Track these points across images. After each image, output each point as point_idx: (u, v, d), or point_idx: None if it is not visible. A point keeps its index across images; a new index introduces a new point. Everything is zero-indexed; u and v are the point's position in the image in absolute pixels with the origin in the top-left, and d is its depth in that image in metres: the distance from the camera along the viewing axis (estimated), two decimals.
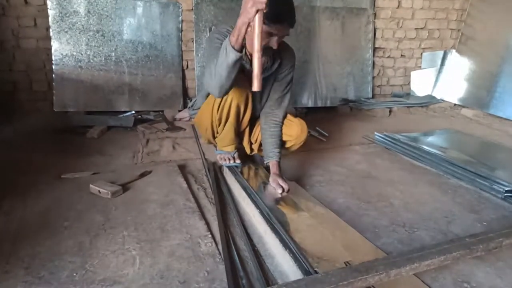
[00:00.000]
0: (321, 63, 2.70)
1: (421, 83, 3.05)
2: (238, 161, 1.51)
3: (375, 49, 2.87)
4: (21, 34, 2.24)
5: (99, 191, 1.29)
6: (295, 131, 1.43)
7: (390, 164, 1.74)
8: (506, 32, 2.62)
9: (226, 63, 1.08)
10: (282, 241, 0.96)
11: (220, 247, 1.02)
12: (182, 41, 2.43)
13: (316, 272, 0.83)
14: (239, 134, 1.51)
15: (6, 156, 1.66)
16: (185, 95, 2.51)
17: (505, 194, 1.37)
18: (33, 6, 2.21)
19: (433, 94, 3.02)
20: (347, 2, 2.68)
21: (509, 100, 2.52)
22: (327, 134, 2.12)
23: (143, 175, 1.46)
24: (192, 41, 2.44)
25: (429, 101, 2.92)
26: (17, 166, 1.55)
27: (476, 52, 2.84)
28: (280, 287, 0.77)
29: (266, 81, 1.37)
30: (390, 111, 2.69)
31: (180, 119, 2.36)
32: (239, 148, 1.54)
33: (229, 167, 1.47)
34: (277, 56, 1.31)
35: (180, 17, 2.40)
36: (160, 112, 2.42)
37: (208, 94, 1.40)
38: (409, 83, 3.07)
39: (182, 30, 2.42)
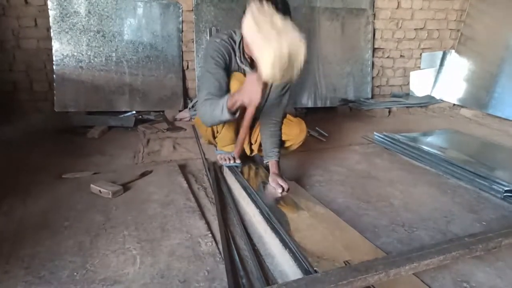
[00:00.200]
0: (320, 64, 2.70)
1: (420, 84, 3.06)
2: (238, 161, 1.52)
3: (374, 50, 2.88)
4: (21, 34, 2.25)
5: (99, 191, 1.29)
6: (294, 130, 1.44)
7: (390, 164, 1.75)
8: (505, 32, 2.62)
9: (219, 119, 1.17)
10: (282, 240, 0.96)
11: (220, 246, 1.02)
12: (182, 41, 2.44)
13: (316, 271, 0.83)
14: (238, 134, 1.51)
15: (6, 156, 1.67)
16: (186, 96, 2.51)
17: (505, 194, 1.38)
18: (34, 7, 2.22)
19: (432, 94, 3.03)
20: (346, 2, 2.69)
21: (508, 100, 2.52)
22: (326, 134, 2.13)
23: (143, 175, 1.47)
24: (193, 42, 2.44)
25: (428, 101, 2.92)
26: (17, 166, 1.55)
27: (475, 52, 2.84)
28: (280, 286, 0.77)
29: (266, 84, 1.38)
30: (389, 111, 2.70)
31: (180, 119, 2.37)
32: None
33: (229, 167, 1.48)
34: None
35: (181, 18, 2.40)
36: (161, 112, 2.42)
37: None
38: (408, 84, 3.07)
39: (182, 31, 2.43)
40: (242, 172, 1.43)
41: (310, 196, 1.34)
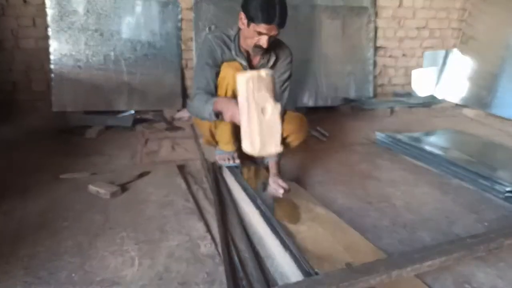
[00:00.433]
0: (322, 63, 2.69)
1: (422, 83, 3.04)
2: (237, 161, 1.51)
3: (376, 49, 2.86)
4: (20, 34, 2.23)
5: (98, 191, 1.28)
6: (294, 125, 1.43)
7: (391, 164, 1.73)
8: (507, 32, 2.60)
9: (206, 119, 1.25)
10: (282, 242, 0.95)
11: (219, 248, 1.01)
12: (181, 40, 2.42)
13: (316, 273, 0.82)
14: (237, 132, 1.50)
15: (4, 156, 1.66)
16: (184, 95, 2.50)
17: (506, 194, 1.37)
18: (32, 6, 2.21)
19: (435, 94, 3.01)
20: (348, 1, 2.67)
21: (510, 100, 2.51)
22: (327, 134, 2.12)
23: (142, 175, 1.46)
24: (192, 40, 2.43)
25: (430, 101, 2.91)
26: (16, 166, 1.54)
27: (477, 51, 2.83)
28: None
29: None
30: (391, 111, 2.68)
31: (179, 119, 2.36)
32: (239, 148, 1.54)
33: (229, 167, 1.47)
34: (272, 53, 1.34)
35: (179, 16, 2.39)
36: (159, 112, 2.41)
37: None
38: (410, 83, 3.06)
39: (181, 29, 2.41)
40: (242, 173, 1.43)
41: (311, 197, 1.33)
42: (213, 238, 1.06)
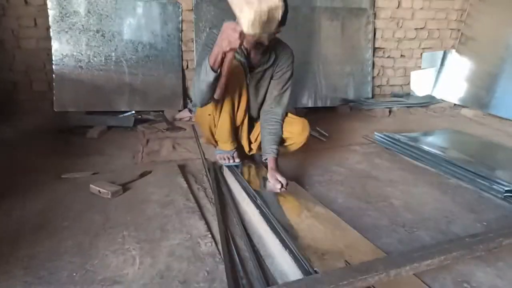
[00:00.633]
0: (321, 63, 2.70)
1: (421, 83, 3.05)
2: (237, 160, 1.52)
3: (375, 49, 2.87)
4: (21, 34, 2.24)
5: (99, 191, 1.29)
6: (296, 128, 1.44)
7: (390, 164, 1.74)
8: (506, 32, 2.62)
9: (206, 81, 1.18)
10: (282, 241, 0.96)
11: (220, 247, 1.02)
12: (182, 41, 2.43)
13: (316, 272, 0.83)
14: (238, 132, 1.51)
15: (6, 156, 1.66)
16: (185, 95, 2.51)
17: (505, 194, 1.37)
18: (33, 6, 2.22)
19: (433, 94, 3.02)
20: (347, 2, 2.68)
21: (509, 100, 2.52)
22: (327, 134, 2.12)
23: (143, 175, 1.46)
24: (192, 41, 2.44)
25: (429, 101, 2.92)
26: (17, 166, 1.55)
27: (476, 52, 2.84)
28: (280, 287, 0.77)
29: (262, 78, 1.41)
30: (390, 111, 2.69)
31: (180, 119, 2.37)
32: (239, 148, 1.54)
33: (229, 167, 1.47)
34: (273, 52, 1.35)
35: (180, 17, 2.40)
36: (160, 112, 2.42)
37: None
38: (409, 83, 3.07)
39: (182, 30, 2.42)
40: (242, 172, 1.43)
41: (310, 196, 1.34)
42: (213, 237, 1.07)
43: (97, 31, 2.27)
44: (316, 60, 2.68)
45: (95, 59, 2.29)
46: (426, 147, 1.78)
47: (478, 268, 0.97)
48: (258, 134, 1.49)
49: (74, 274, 0.90)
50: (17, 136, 1.94)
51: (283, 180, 1.27)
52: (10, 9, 2.19)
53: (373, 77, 2.90)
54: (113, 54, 2.32)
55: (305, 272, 0.84)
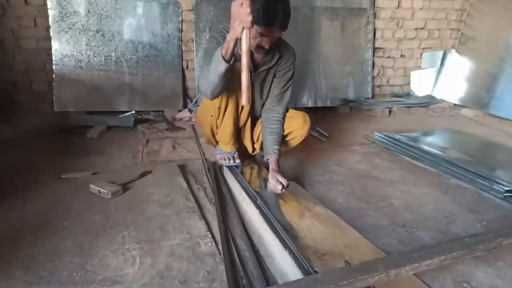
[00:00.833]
0: (321, 63, 2.70)
1: (421, 83, 3.05)
2: (238, 160, 1.52)
3: (375, 49, 2.87)
4: (21, 34, 2.24)
5: (99, 191, 1.29)
6: (297, 121, 1.44)
7: (390, 164, 1.74)
8: (506, 32, 2.62)
9: (218, 72, 1.16)
10: (282, 241, 0.96)
11: (220, 247, 1.02)
12: (182, 41, 2.43)
13: (316, 272, 0.83)
14: (240, 133, 1.51)
15: (6, 156, 1.66)
16: (185, 95, 2.51)
17: (505, 194, 1.37)
18: (33, 6, 2.22)
19: (433, 94, 3.02)
20: (347, 2, 2.68)
21: (509, 100, 2.52)
22: (327, 134, 2.12)
23: (143, 175, 1.46)
24: (192, 41, 2.44)
25: (429, 101, 2.92)
26: (17, 166, 1.55)
27: (476, 52, 2.84)
28: (280, 287, 0.77)
29: (266, 77, 1.41)
30: (390, 111, 2.69)
31: (180, 119, 2.37)
32: (239, 148, 1.54)
33: (229, 167, 1.47)
34: (276, 51, 1.36)
35: (180, 17, 2.40)
36: (160, 112, 2.42)
37: None
38: (409, 83, 3.07)
39: (182, 30, 2.42)
40: (242, 172, 1.43)
41: (310, 196, 1.34)
42: (213, 237, 1.07)
43: (97, 31, 2.27)
44: (316, 60, 2.68)
45: (95, 59, 2.29)
46: (426, 147, 1.78)
47: (478, 268, 0.97)
48: (260, 133, 1.49)
49: (74, 274, 0.90)
50: (17, 136, 1.94)
51: (284, 181, 1.27)
52: (10, 9, 2.19)
53: (373, 77, 2.90)
54: (113, 54, 2.32)
55: (305, 272, 0.84)
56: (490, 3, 2.77)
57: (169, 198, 1.30)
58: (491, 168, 1.55)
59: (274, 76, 1.42)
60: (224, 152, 1.53)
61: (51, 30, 2.20)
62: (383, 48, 2.90)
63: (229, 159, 1.51)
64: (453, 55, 2.99)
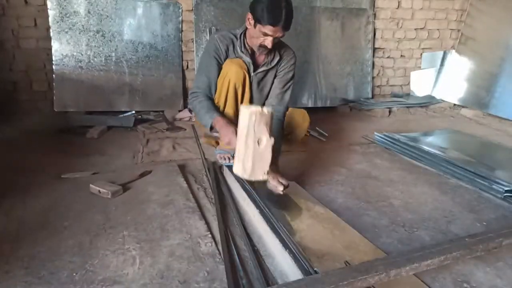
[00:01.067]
0: (321, 64, 2.70)
1: (420, 83, 3.05)
2: None
3: (375, 50, 2.87)
4: (21, 34, 2.24)
5: (99, 191, 1.29)
6: (296, 118, 1.48)
7: (390, 164, 1.74)
8: (506, 32, 2.62)
9: (200, 121, 1.35)
10: (282, 241, 0.96)
11: (220, 247, 1.02)
12: (182, 41, 2.43)
13: (316, 272, 0.83)
14: None
15: (5, 155, 1.66)
16: (185, 95, 2.51)
17: (505, 194, 1.37)
18: (33, 6, 2.22)
19: (433, 94, 3.02)
20: (347, 2, 2.69)
21: (509, 100, 2.52)
22: (327, 134, 2.12)
23: (143, 175, 1.47)
24: (192, 42, 2.44)
25: (428, 101, 2.92)
26: (17, 166, 1.55)
27: (476, 52, 2.84)
28: (280, 287, 0.77)
29: (265, 77, 1.44)
30: (389, 111, 2.70)
31: (180, 119, 2.37)
32: None
33: (229, 167, 1.47)
34: (277, 52, 1.39)
35: (180, 18, 2.40)
36: (160, 112, 2.42)
37: None
38: (408, 83, 3.07)
39: (182, 31, 2.42)
40: None
41: (310, 196, 1.34)
42: (213, 237, 1.07)
43: (97, 32, 2.27)
44: (316, 60, 2.68)
45: (95, 59, 2.29)
46: (426, 147, 1.78)
47: (478, 268, 0.97)
48: None
49: (74, 274, 0.90)
50: (16, 136, 1.94)
51: (285, 181, 1.27)
52: (10, 9, 2.19)
53: (373, 77, 2.90)
54: (113, 54, 2.32)
55: (305, 272, 0.84)
56: (490, 3, 2.77)
57: (169, 198, 1.30)
58: (491, 168, 1.55)
59: (274, 77, 1.44)
60: (224, 152, 1.53)
61: (51, 30, 2.20)
62: (383, 48, 2.90)
63: (229, 158, 1.51)
64: (453, 55, 2.99)
